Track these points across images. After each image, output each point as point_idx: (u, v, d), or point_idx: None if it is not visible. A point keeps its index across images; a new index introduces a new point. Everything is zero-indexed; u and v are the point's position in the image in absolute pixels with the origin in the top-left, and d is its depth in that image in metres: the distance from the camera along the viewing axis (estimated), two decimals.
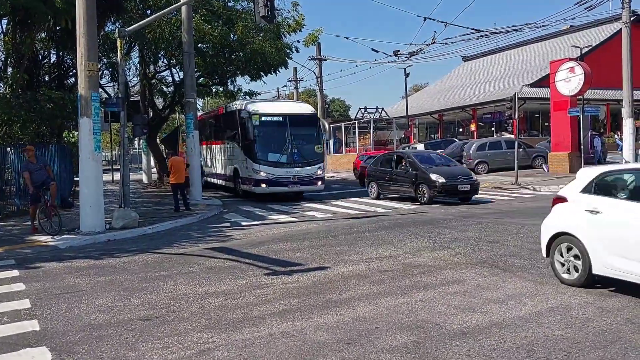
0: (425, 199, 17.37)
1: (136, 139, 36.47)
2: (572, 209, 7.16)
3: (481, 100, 42.36)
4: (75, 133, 23.13)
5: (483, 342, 5.18)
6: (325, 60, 34.86)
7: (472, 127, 44.21)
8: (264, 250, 10.36)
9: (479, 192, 18.51)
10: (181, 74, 25.03)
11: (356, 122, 44.60)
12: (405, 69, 44.94)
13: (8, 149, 16.75)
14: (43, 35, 20.51)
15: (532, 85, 39.11)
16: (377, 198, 19.47)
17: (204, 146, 26.27)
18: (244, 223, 14.57)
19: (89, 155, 12.72)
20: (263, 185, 19.38)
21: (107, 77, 26.72)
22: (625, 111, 24.00)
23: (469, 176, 18.04)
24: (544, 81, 35.02)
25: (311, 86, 45.77)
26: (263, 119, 19.78)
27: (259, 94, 29.32)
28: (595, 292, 6.74)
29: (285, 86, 51.86)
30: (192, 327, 5.91)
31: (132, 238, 12.60)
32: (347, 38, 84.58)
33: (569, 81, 26.08)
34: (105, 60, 24.09)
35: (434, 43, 27.79)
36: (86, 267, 9.38)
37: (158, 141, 32.39)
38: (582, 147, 25.18)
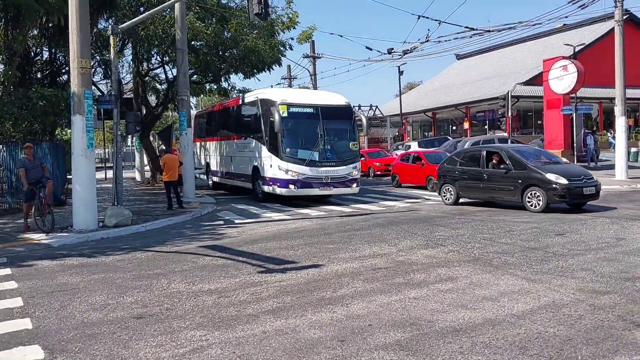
0: (539, 205, 13.96)
1: (129, 136, 36.44)
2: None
3: (474, 98, 42.47)
4: (68, 131, 22.97)
5: (476, 339, 5.20)
6: (320, 57, 34.84)
7: (466, 125, 44.35)
8: (257, 248, 10.36)
9: None
10: (174, 72, 24.94)
11: None
12: (399, 67, 45.02)
13: (0, 146, 16.65)
14: (35, 32, 20.43)
15: (526, 83, 39.25)
16: (456, 203, 16.23)
17: (211, 143, 24.61)
18: (237, 221, 14.56)
19: (82, 153, 12.67)
20: (291, 187, 16.83)
21: (100, 75, 26.60)
22: (618, 109, 24.11)
23: (590, 177, 14.49)
24: (537, 79, 35.17)
25: (305, 84, 45.73)
26: (292, 110, 17.14)
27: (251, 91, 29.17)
28: (587, 290, 6.78)
29: (279, 84, 51.71)
30: (185, 325, 5.90)
31: (125, 236, 12.57)
32: (341, 36, 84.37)
33: (562, 79, 26.17)
34: (98, 57, 23.97)
35: (427, 41, 27.87)
36: (79, 265, 9.36)
37: (151, 138, 32.29)
38: (574, 145, 25.28)
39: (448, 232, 11.34)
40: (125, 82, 29.49)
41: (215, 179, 24.33)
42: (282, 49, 24.90)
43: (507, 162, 14.84)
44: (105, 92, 25.20)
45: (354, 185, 17.65)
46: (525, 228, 11.66)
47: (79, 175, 12.79)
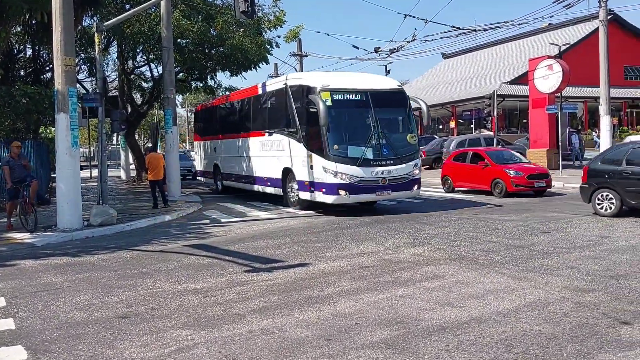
0: None
1: (114, 135, 36.14)
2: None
3: (461, 97, 42.66)
4: (52, 129, 22.74)
5: (462, 337, 5.21)
6: (307, 56, 34.72)
7: (452, 124, 44.55)
8: (244, 247, 10.31)
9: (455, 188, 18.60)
10: (160, 70, 24.81)
11: None
12: (385, 65, 45.02)
13: None
14: (18, 29, 20.16)
15: (511, 82, 39.50)
16: (617, 215, 12.41)
17: (220, 141, 21.50)
18: (223, 220, 14.50)
19: (66, 152, 12.53)
20: (342, 193, 13.70)
21: (85, 72, 26.44)
22: (603, 108, 24.34)
23: None
24: (523, 79, 35.39)
25: None
26: (337, 97, 14.03)
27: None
28: (572, 287, 6.83)
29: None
30: (171, 324, 5.85)
31: (110, 235, 12.45)
32: (328, 34, 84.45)
33: (547, 79, 26.37)
34: (82, 55, 23.77)
35: (414, 40, 27.97)
36: (63, 264, 9.25)
37: (137, 137, 32.05)
38: (560, 144, 25.49)
39: (434, 231, 11.37)
40: (111, 80, 29.26)
41: (227, 182, 21.18)
42: (268, 47, 24.85)
43: None
44: (90, 90, 24.96)
45: (415, 187, 14.68)
46: (511, 227, 11.73)
47: (63, 174, 12.65)
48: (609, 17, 25.57)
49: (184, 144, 71.74)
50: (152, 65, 27.56)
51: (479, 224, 12.09)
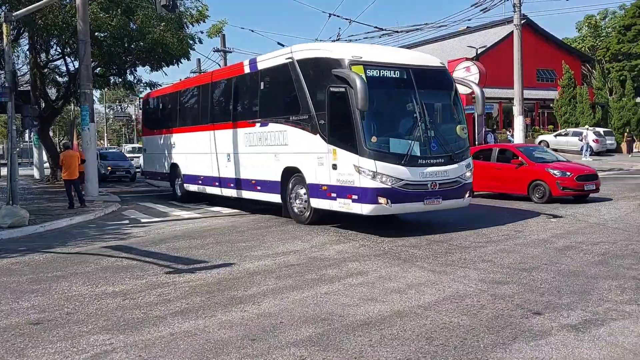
0: None
1: (27, 131, 34.22)
2: None
3: None
4: None
5: (385, 331, 5.30)
6: (230, 52, 34.29)
7: None
8: (165, 247, 10.04)
9: None
10: (76, 64, 23.70)
11: None
12: None
13: None
14: None
15: None
16: None
17: (183, 135, 17.31)
18: (144, 220, 14.06)
19: None
20: (382, 202, 10.04)
21: None
22: (516, 109, 25.56)
23: None
24: None
25: None
26: (372, 73, 10.36)
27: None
28: (488, 280, 7.11)
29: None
30: (88, 329, 5.60)
31: (22, 237, 11.78)
32: (252, 31, 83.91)
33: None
34: None
35: (338, 39, 28.24)
36: None
37: (52, 133, 30.52)
38: (476, 143, 26.53)
39: (359, 227, 11.53)
40: (22, 73, 27.72)
41: (192, 187, 16.89)
42: (191, 42, 24.30)
43: None
44: None
45: (467, 195, 11.22)
46: (433, 224, 12.07)
47: None
48: (522, 22, 26.87)
49: (101, 142, 69.04)
50: (68, 59, 26.28)
51: (402, 222, 12.35)
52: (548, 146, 30.08)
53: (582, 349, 4.80)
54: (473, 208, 12.83)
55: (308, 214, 11.84)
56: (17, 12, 15.05)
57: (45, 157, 31.35)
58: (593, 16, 61.10)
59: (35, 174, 32.63)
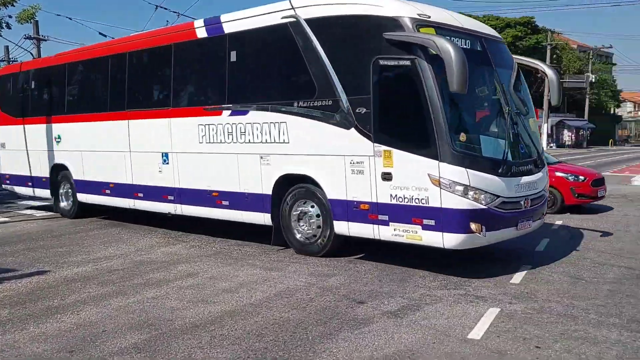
0: None
1: None
2: None
3: None
4: None
5: (215, 332, 5.21)
6: (45, 40, 31.45)
7: None
8: None
9: None
10: None
11: None
12: None
13: None
14: None
15: None
16: None
17: (76, 125, 12.17)
18: None
19: None
20: (474, 228, 6.81)
21: None
22: None
23: None
24: None
25: None
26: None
27: None
28: (317, 274, 7.34)
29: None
30: None
31: None
32: (70, 18, 77.32)
33: None
34: None
35: None
36: None
37: None
38: None
39: (191, 227, 11.22)
40: None
41: (94, 198, 12.02)
42: None
43: None
44: None
45: (545, 211, 8.57)
46: None
47: None
48: None
49: None
50: None
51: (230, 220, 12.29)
52: None
53: (400, 334, 5.16)
54: None
55: (322, 241, 8.13)
56: None
57: None
58: None
59: None
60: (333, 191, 7.81)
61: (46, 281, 7.25)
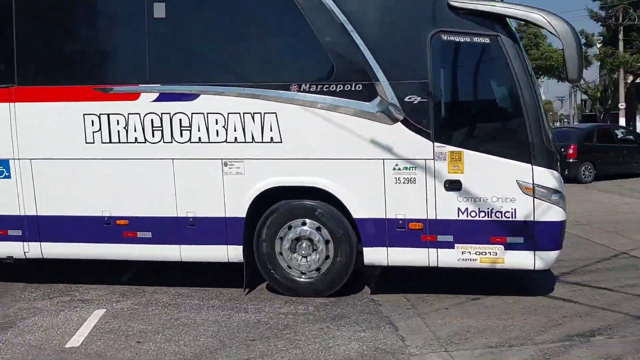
0: None
1: None
2: None
3: None
4: None
5: None
6: None
7: None
8: None
9: None
10: None
11: None
12: None
13: None
14: None
15: None
16: None
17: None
18: None
19: None
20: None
21: None
22: None
23: None
24: None
25: None
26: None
27: None
28: None
29: None
30: None
31: None
32: None
33: None
34: None
35: None
36: None
37: None
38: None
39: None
40: None
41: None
42: None
43: None
44: None
45: None
46: None
47: None
48: None
49: None
50: None
51: None
52: None
53: None
54: None
55: (330, 278, 5.82)
56: None
57: None
58: None
59: None
60: (362, 207, 5.68)
61: None
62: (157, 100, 5.77)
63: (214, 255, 5.92)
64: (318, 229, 5.73)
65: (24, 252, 6.08)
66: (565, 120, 63.72)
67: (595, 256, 7.39)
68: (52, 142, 5.94)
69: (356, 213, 5.63)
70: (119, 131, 5.82)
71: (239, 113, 5.65)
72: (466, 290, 5.92)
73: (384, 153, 5.52)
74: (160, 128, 5.77)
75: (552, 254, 5.49)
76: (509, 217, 5.42)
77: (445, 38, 5.43)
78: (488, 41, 5.42)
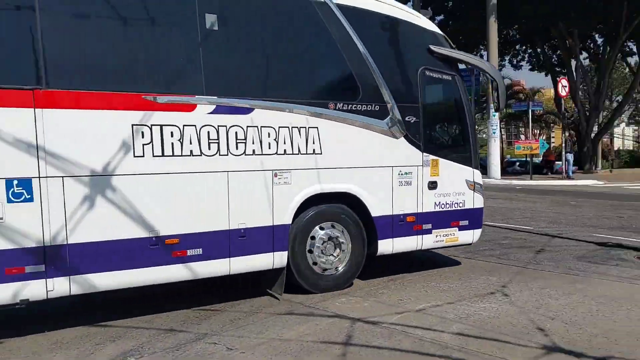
0: None
1: None
2: None
3: None
4: None
5: None
6: None
7: None
8: None
9: None
10: None
11: None
12: None
13: None
14: None
15: None
16: None
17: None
18: None
19: None
20: None
21: None
22: None
23: None
24: None
25: None
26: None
27: None
28: None
29: None
30: None
31: None
32: None
33: None
34: None
35: None
36: None
37: None
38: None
39: None
40: None
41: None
42: None
43: None
44: None
45: None
46: None
47: None
48: None
49: None
50: None
51: None
52: None
53: None
54: None
55: (343, 268, 6.55)
56: None
57: None
58: None
59: None
60: (378, 207, 6.70)
61: None
62: (214, 112, 5.61)
63: (261, 264, 5.98)
64: (343, 230, 6.47)
65: (47, 292, 4.88)
66: None
67: None
68: (92, 156, 5.04)
69: (374, 212, 6.61)
70: (172, 143, 5.37)
71: (288, 127, 6.02)
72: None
73: (393, 161, 6.74)
74: (217, 140, 5.61)
75: (479, 231, 7.52)
76: (461, 207, 7.27)
77: (427, 73, 7.02)
78: (450, 79, 7.26)
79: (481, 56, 29.14)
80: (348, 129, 6.38)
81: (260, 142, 5.87)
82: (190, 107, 5.47)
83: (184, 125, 5.41)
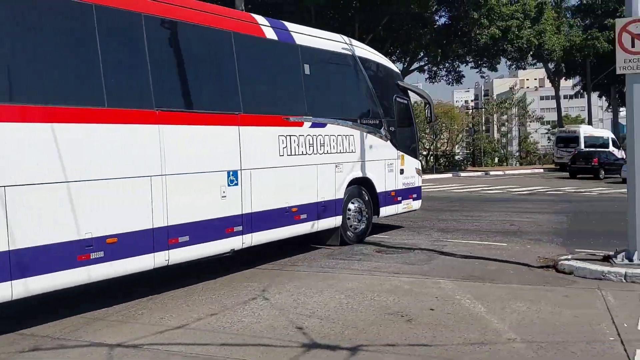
0: None
1: None
2: None
3: None
4: None
5: None
6: None
7: None
8: None
9: None
10: None
11: None
12: None
13: None
14: None
15: None
16: None
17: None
18: None
19: None
20: None
21: None
22: None
23: None
24: None
25: None
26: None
27: None
28: None
29: None
30: None
31: None
32: None
33: None
34: None
35: None
36: None
37: None
38: None
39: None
40: None
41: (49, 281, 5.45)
42: None
43: None
44: None
45: None
46: None
47: None
48: None
49: None
50: None
51: None
52: None
53: None
54: None
55: (363, 228, 10.21)
56: None
57: None
58: None
59: None
60: (379, 186, 10.45)
61: None
62: (311, 126, 8.89)
63: (330, 224, 9.25)
64: (360, 202, 10.01)
65: (242, 244, 7.58)
66: None
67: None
68: (261, 154, 7.98)
69: (378, 189, 10.30)
70: (293, 147, 8.55)
71: (342, 135, 9.50)
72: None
73: (384, 156, 10.49)
74: (312, 144, 8.90)
75: (420, 201, 11.71)
76: (414, 185, 11.33)
77: (397, 99, 10.99)
78: (407, 102, 11.43)
79: None
80: (366, 136, 10.01)
81: (330, 145, 9.24)
82: (301, 124, 8.67)
83: (299, 135, 8.61)
